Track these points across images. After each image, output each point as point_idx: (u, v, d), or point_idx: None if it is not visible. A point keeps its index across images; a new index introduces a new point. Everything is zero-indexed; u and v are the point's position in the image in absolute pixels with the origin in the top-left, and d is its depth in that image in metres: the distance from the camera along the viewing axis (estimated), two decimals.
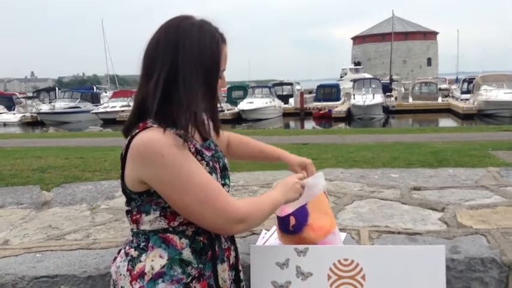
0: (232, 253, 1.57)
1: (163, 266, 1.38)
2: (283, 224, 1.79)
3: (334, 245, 1.80)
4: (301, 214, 1.75)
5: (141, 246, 1.41)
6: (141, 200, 1.40)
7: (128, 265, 1.40)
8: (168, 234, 1.41)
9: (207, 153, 1.48)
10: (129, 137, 1.37)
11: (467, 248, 2.02)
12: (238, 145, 1.94)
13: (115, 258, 1.49)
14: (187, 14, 1.45)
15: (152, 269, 1.37)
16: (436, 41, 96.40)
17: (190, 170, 1.33)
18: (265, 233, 2.21)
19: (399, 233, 2.25)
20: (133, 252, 1.41)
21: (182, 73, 1.36)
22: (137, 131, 1.35)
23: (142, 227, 1.42)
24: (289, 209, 1.75)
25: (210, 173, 1.42)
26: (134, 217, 1.43)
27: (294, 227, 1.75)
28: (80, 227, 2.57)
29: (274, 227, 2.05)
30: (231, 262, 1.55)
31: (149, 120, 1.37)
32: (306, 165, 1.91)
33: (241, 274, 1.61)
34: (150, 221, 1.40)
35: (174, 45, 1.37)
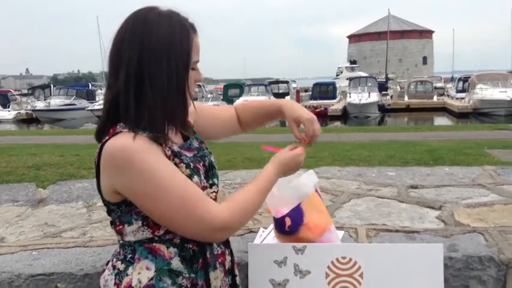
0: (228, 257, 1.49)
1: (152, 279, 1.29)
2: (279, 225, 1.78)
3: (332, 243, 1.80)
4: (297, 214, 1.74)
5: (127, 259, 1.33)
6: (120, 210, 1.32)
7: (115, 279, 1.33)
8: (154, 244, 1.32)
9: (188, 154, 1.39)
10: (100, 144, 1.28)
11: (465, 246, 2.02)
12: (246, 112, 1.79)
13: (104, 270, 1.42)
14: (154, 5, 1.35)
15: (140, 282, 1.29)
16: (431, 40, 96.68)
17: (164, 176, 1.23)
18: (263, 231, 2.21)
19: (397, 231, 2.25)
20: (120, 265, 1.34)
21: (148, 68, 1.27)
22: (107, 137, 1.27)
23: (127, 238, 1.34)
24: (284, 210, 1.75)
25: (191, 175, 1.33)
26: (117, 228, 1.35)
27: (290, 227, 1.74)
28: (77, 225, 2.56)
29: (272, 225, 2.05)
30: (226, 268, 1.47)
31: (119, 125, 1.29)
32: (302, 122, 1.65)
33: (238, 279, 1.54)
34: (133, 231, 1.32)
35: (140, 39, 1.28)
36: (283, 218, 1.75)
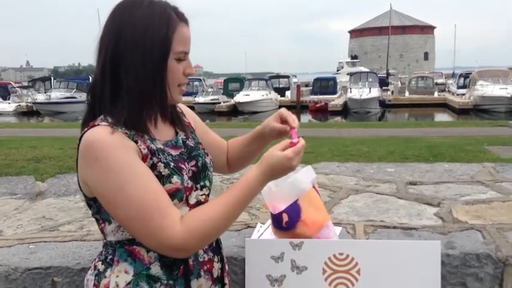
0: (216, 265, 1.41)
1: (129, 283, 1.25)
2: (276, 221, 1.78)
3: (329, 239, 1.79)
4: (294, 210, 1.74)
5: (107, 260, 1.30)
6: (96, 206, 1.28)
7: (95, 280, 1.29)
8: (134, 246, 1.27)
9: (172, 152, 1.32)
10: (79, 136, 1.24)
11: (462, 243, 2.02)
12: (234, 146, 1.68)
13: (89, 268, 1.39)
14: None
15: (117, 285, 1.25)
16: (433, 36, 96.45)
17: (127, 180, 1.16)
18: (261, 226, 2.21)
19: (395, 227, 2.24)
20: (100, 266, 1.30)
21: (123, 57, 1.22)
22: (86, 129, 1.23)
23: (108, 238, 1.31)
24: (281, 206, 1.74)
25: (170, 175, 1.26)
26: (100, 226, 1.32)
27: (287, 223, 1.74)
28: (74, 219, 2.56)
29: (270, 221, 2.05)
30: (214, 276, 1.40)
31: (100, 117, 1.24)
32: (282, 115, 1.52)
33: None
34: (113, 230, 1.28)
35: (118, 27, 1.24)
36: (280, 214, 1.74)
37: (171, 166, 1.29)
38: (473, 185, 3.00)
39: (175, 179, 1.27)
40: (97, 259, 1.35)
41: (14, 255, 2.05)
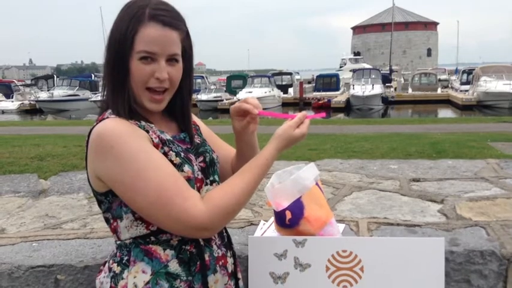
0: (230, 260, 1.43)
1: (148, 282, 1.25)
2: (279, 218, 1.77)
3: (332, 237, 1.79)
4: (297, 207, 1.73)
5: (123, 261, 1.29)
6: (107, 201, 1.29)
7: (111, 282, 1.29)
8: (150, 245, 1.28)
9: (181, 145, 1.36)
10: (89, 131, 1.27)
11: (466, 240, 2.01)
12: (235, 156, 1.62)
13: (100, 271, 1.40)
14: None
15: (135, 286, 1.25)
16: (436, 32, 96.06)
17: (144, 166, 1.17)
18: (264, 224, 2.20)
19: (398, 224, 2.24)
20: (116, 268, 1.30)
21: (105, 57, 1.30)
22: (95, 123, 1.26)
23: (122, 237, 1.31)
24: (285, 203, 1.74)
25: (181, 164, 1.28)
26: (113, 226, 1.32)
27: (290, 221, 1.73)
28: (77, 216, 2.56)
29: (273, 218, 2.04)
30: (229, 271, 1.42)
31: (108, 111, 1.29)
32: (238, 110, 1.44)
33: (241, 283, 1.50)
34: (127, 226, 1.28)
35: (113, 23, 1.31)
36: (283, 211, 1.74)
37: (182, 156, 1.30)
38: (477, 182, 2.99)
39: (186, 167, 1.29)
40: (111, 261, 1.34)
41: (17, 253, 2.05)
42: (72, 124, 14.24)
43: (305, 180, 1.76)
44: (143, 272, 1.26)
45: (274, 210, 1.78)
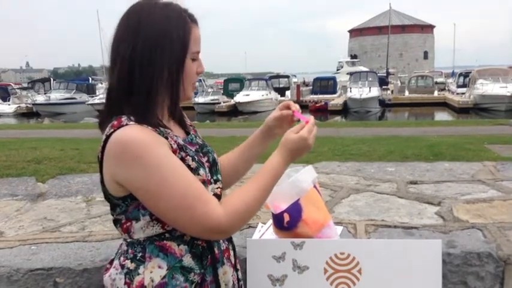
0: (231, 252, 1.49)
1: (164, 277, 1.29)
2: (277, 221, 1.78)
3: (330, 239, 1.80)
4: (295, 210, 1.74)
5: (137, 258, 1.32)
6: (125, 205, 1.31)
7: (125, 278, 1.31)
8: (165, 241, 1.32)
9: (191, 148, 1.38)
10: (104, 137, 1.27)
11: (463, 242, 2.02)
12: (227, 162, 1.65)
13: (107, 269, 1.41)
14: None
15: (152, 281, 1.28)
16: (432, 35, 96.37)
17: (168, 174, 1.21)
18: (262, 226, 2.21)
19: (395, 226, 2.25)
20: (129, 264, 1.32)
21: (141, 59, 1.26)
22: (112, 130, 1.25)
23: (135, 236, 1.32)
24: (283, 205, 1.75)
25: (197, 168, 1.32)
26: (125, 226, 1.33)
27: (288, 223, 1.74)
28: (76, 219, 2.56)
29: (271, 220, 2.05)
30: (232, 262, 1.47)
31: (124, 117, 1.27)
32: (284, 104, 1.58)
33: (239, 273, 1.54)
34: (142, 227, 1.31)
35: (135, 29, 1.28)
36: (281, 213, 1.75)
37: (196, 159, 1.35)
38: (473, 184, 3.01)
39: (201, 171, 1.34)
40: (122, 258, 1.35)
41: (16, 256, 2.05)
42: (69, 127, 14.23)
43: (303, 183, 1.78)
44: (159, 267, 1.30)
45: (273, 213, 1.79)
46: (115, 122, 1.26)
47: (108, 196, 1.34)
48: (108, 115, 1.32)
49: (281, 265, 1.75)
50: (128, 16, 1.32)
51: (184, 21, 1.32)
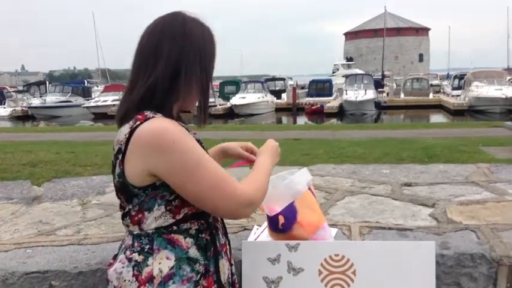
0: (228, 247, 1.56)
1: (172, 267, 1.37)
2: (272, 223, 1.79)
3: (325, 241, 1.81)
4: (290, 212, 1.76)
5: (145, 250, 1.38)
6: (145, 194, 1.37)
7: (134, 270, 1.37)
8: (172, 234, 1.39)
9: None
10: (128, 130, 1.35)
11: (456, 243, 2.03)
12: None
13: (111, 264, 1.45)
14: (181, 10, 1.50)
15: (161, 272, 1.36)
16: (427, 37, 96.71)
17: (200, 157, 1.34)
18: (257, 229, 2.22)
19: (390, 228, 2.26)
20: (137, 257, 1.38)
21: (186, 65, 1.41)
22: (138, 123, 1.34)
23: (146, 227, 1.39)
24: (277, 208, 1.76)
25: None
26: (136, 217, 1.39)
27: (283, 225, 1.75)
28: (71, 223, 2.56)
29: (266, 223, 2.06)
30: (228, 256, 1.54)
31: (147, 112, 1.37)
32: (247, 147, 1.82)
33: (233, 268, 1.60)
34: (156, 217, 1.38)
35: (181, 37, 1.41)
36: (276, 216, 1.76)
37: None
38: (467, 186, 3.03)
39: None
40: (128, 252, 1.40)
41: (11, 260, 2.06)
42: (64, 130, 14.19)
43: (298, 185, 1.79)
44: (167, 258, 1.38)
45: (267, 215, 1.80)
46: (139, 116, 1.36)
47: (126, 188, 1.38)
48: (137, 109, 1.39)
49: (276, 267, 1.76)
50: (173, 23, 1.44)
51: (213, 38, 1.50)
